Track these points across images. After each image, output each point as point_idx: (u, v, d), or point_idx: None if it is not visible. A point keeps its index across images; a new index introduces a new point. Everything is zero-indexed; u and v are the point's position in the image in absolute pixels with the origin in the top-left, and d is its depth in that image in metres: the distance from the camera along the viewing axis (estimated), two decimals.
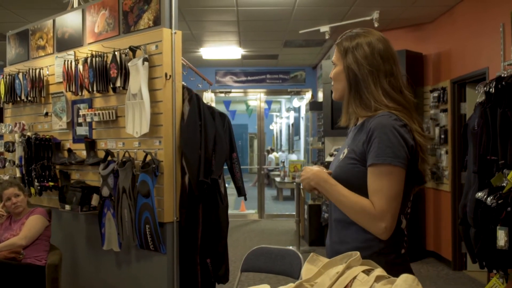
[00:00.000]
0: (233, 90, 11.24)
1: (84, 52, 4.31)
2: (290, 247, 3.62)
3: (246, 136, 24.38)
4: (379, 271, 1.57)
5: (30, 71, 4.83)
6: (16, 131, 5.02)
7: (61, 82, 4.56)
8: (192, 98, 3.83)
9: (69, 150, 4.55)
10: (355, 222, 1.79)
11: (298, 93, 11.53)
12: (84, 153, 4.41)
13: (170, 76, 3.76)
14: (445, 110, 6.52)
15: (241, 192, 4.08)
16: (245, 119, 18.31)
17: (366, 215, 1.74)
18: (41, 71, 4.82)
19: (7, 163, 5.22)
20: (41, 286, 3.79)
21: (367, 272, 1.60)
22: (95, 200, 4.23)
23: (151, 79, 3.81)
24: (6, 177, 5.17)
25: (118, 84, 3.93)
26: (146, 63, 3.77)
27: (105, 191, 4.06)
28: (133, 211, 3.81)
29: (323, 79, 7.88)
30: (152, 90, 3.79)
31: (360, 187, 1.79)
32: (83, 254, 4.54)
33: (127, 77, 3.90)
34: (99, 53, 4.09)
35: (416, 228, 6.94)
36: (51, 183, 4.65)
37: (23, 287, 3.72)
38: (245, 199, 4.17)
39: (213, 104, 10.88)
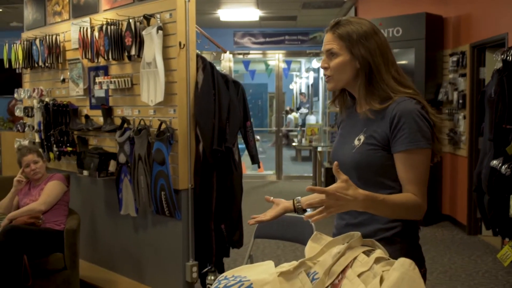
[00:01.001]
0: (251, 52, 11.19)
1: (99, 19, 4.32)
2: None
3: (266, 96, 24.29)
4: (379, 252, 1.61)
5: (47, 37, 4.87)
6: (35, 97, 5.10)
7: (77, 49, 4.59)
8: (206, 66, 3.83)
9: (87, 117, 4.62)
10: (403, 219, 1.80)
11: (317, 55, 11.43)
12: (101, 119, 4.47)
13: (184, 45, 3.76)
14: (463, 75, 6.44)
15: (254, 160, 4.12)
16: (264, 79, 18.23)
17: (417, 209, 1.75)
18: (58, 37, 4.85)
19: (26, 128, 5.32)
20: (60, 250, 3.91)
21: (367, 253, 1.64)
22: (112, 166, 4.31)
23: (165, 47, 3.82)
24: (26, 142, 5.28)
25: (133, 52, 3.96)
26: (160, 32, 3.78)
27: (122, 158, 4.13)
28: (149, 178, 3.89)
29: None
30: (166, 58, 3.81)
31: (382, 171, 1.81)
32: (101, 218, 4.67)
33: (142, 46, 3.92)
34: (114, 21, 4.10)
35: (432, 192, 6.94)
36: (69, 148, 4.74)
37: (42, 251, 3.84)
38: (259, 166, 4.21)
39: (231, 64, 10.95)
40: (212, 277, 3.90)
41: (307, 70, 18.15)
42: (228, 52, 5.98)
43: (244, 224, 4.29)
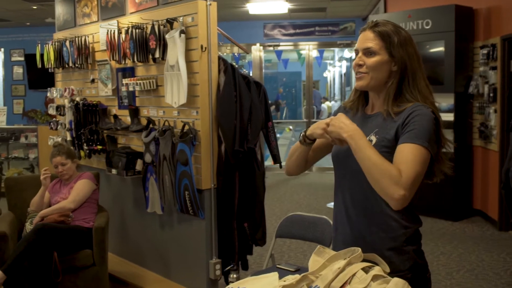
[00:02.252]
0: (281, 44, 11.19)
1: (125, 22, 4.42)
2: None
3: (299, 84, 24.20)
4: (377, 269, 1.65)
5: (77, 39, 5.00)
6: (66, 96, 5.25)
7: (105, 50, 4.71)
8: (228, 69, 3.90)
9: (115, 116, 4.75)
10: (375, 184, 1.75)
11: (348, 45, 11.37)
12: (129, 119, 4.59)
13: (205, 48, 3.83)
14: (494, 68, 6.34)
15: (276, 160, 4.18)
16: (298, 67, 18.19)
17: (391, 176, 1.70)
18: (87, 38, 4.98)
19: (59, 126, 5.49)
20: (89, 247, 4.05)
21: (367, 269, 1.69)
22: (139, 165, 4.43)
23: (188, 50, 3.89)
24: (59, 139, 5.46)
25: (157, 55, 4.04)
26: (183, 35, 3.85)
27: (148, 158, 4.24)
28: (173, 177, 3.99)
29: None
30: (189, 61, 3.89)
31: None
32: (130, 215, 4.81)
33: (166, 48, 4.00)
34: (139, 24, 4.19)
35: (463, 186, 6.89)
36: (99, 147, 4.88)
37: (72, 248, 3.99)
38: (280, 166, 4.26)
39: (262, 54, 10.98)
40: (235, 275, 3.99)
41: (340, 60, 18.05)
42: (251, 51, 5.94)
43: (267, 222, 4.38)
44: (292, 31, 11.12)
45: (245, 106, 3.90)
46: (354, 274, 1.66)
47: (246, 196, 4.03)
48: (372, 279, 1.61)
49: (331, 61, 20.76)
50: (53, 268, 3.81)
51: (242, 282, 1.83)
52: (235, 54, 11.30)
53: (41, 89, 10.28)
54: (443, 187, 6.46)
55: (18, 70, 11.25)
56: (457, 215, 6.75)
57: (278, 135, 17.53)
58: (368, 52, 1.88)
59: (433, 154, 1.80)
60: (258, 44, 11.11)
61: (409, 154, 1.75)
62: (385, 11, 8.77)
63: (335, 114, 2.02)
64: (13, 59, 11.31)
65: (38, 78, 10.47)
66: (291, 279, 1.79)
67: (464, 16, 6.71)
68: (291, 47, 11.52)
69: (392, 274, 1.80)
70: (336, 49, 17.61)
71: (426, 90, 1.88)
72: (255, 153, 4.05)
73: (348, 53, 13.97)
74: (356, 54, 1.93)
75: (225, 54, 11.42)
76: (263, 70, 11.44)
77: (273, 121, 4.14)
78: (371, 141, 1.87)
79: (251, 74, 11.50)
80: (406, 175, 1.71)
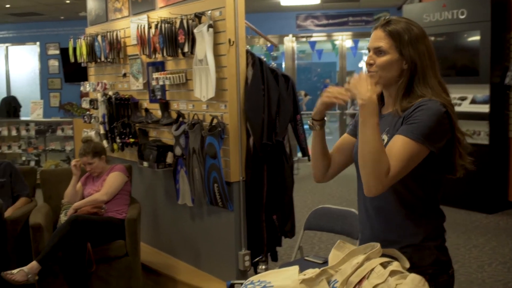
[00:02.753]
0: (314, 34, 11.14)
1: (155, 17, 4.48)
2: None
3: (334, 74, 24.02)
4: (395, 265, 1.66)
5: (108, 34, 5.09)
6: (99, 90, 5.36)
7: (136, 45, 4.78)
8: (255, 62, 3.92)
9: (146, 110, 4.83)
10: (362, 165, 1.76)
11: None
12: (159, 112, 4.66)
13: (233, 42, 3.85)
14: None
15: (305, 153, 4.19)
16: (332, 57, 18.01)
17: (379, 170, 1.71)
18: (118, 33, 5.06)
19: (92, 119, 5.60)
20: (121, 238, 4.14)
21: (385, 264, 1.70)
22: (169, 158, 4.50)
23: (216, 44, 3.92)
24: (92, 133, 5.58)
25: (185, 49, 4.09)
26: (210, 30, 3.88)
27: (178, 151, 4.31)
28: (202, 170, 4.04)
29: None
30: (217, 55, 3.92)
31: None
32: (162, 206, 4.89)
33: (194, 43, 4.04)
34: (168, 19, 4.24)
35: (499, 178, 6.77)
36: (131, 140, 4.97)
37: (105, 239, 4.09)
38: (309, 159, 4.25)
39: (295, 46, 10.94)
40: (263, 267, 4.02)
41: None
42: (283, 43, 5.92)
43: (299, 214, 4.41)
44: (325, 21, 11.05)
45: (273, 99, 3.92)
46: (372, 269, 1.67)
47: (274, 189, 4.05)
48: (389, 274, 1.62)
49: (367, 51, 20.52)
50: (87, 258, 3.92)
51: (263, 275, 1.86)
52: (267, 45, 11.30)
53: (76, 82, 10.51)
54: (478, 179, 6.38)
55: (54, 64, 11.49)
56: (492, 207, 6.64)
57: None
58: (378, 51, 1.88)
59: (434, 149, 1.77)
60: (290, 35, 11.09)
61: (399, 148, 1.74)
62: (420, 0, 8.64)
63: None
64: (48, 52, 11.55)
65: (74, 71, 10.68)
66: (310, 273, 1.82)
67: (500, 5, 6.57)
68: (324, 38, 11.45)
69: (412, 270, 1.81)
70: None
71: (437, 88, 1.85)
72: (283, 146, 4.07)
73: None
74: (369, 53, 1.93)
75: (257, 45, 11.45)
76: (296, 61, 11.41)
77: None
78: (383, 140, 1.87)
79: (283, 65, 11.55)
80: (392, 173, 1.72)
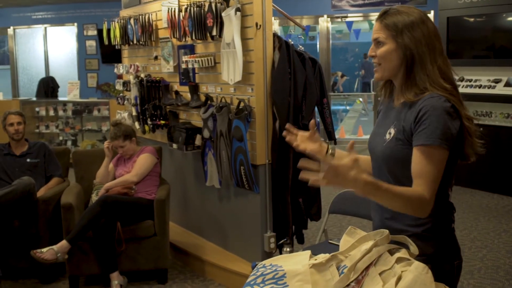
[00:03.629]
0: (349, 15, 11.00)
1: (185, 1, 4.52)
2: None
3: None
4: (403, 252, 1.69)
5: (140, 17, 5.16)
6: (131, 73, 5.45)
7: (167, 28, 4.84)
8: (282, 46, 3.93)
9: (176, 92, 4.90)
10: (403, 212, 1.78)
11: None
12: (189, 95, 4.72)
13: (260, 25, 3.87)
14: None
15: (331, 136, 4.20)
16: (370, 37, 17.78)
17: (420, 205, 1.75)
18: (150, 16, 5.13)
19: (125, 101, 5.72)
20: (150, 218, 4.24)
21: (393, 251, 1.72)
22: (198, 140, 4.57)
23: (243, 28, 3.95)
24: (125, 114, 5.69)
25: (214, 33, 4.13)
26: (238, 13, 3.91)
27: (206, 133, 4.37)
28: (229, 153, 4.10)
29: (440, 6, 7.51)
30: (244, 39, 3.95)
31: (410, 164, 1.83)
32: (191, 187, 4.98)
33: (223, 26, 4.07)
34: (197, 2, 4.28)
35: None
36: (162, 122, 5.06)
37: (134, 219, 4.20)
38: (335, 143, 4.27)
39: (330, 26, 10.84)
40: (288, 249, 4.07)
41: None
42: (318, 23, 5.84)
43: (328, 197, 4.42)
44: (360, 1, 10.88)
45: (299, 83, 3.93)
46: (380, 256, 1.70)
47: (300, 172, 4.07)
48: (396, 261, 1.65)
49: None
50: (116, 237, 4.04)
51: (275, 259, 1.91)
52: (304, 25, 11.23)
53: (113, 63, 10.66)
54: (510, 163, 6.27)
55: (92, 45, 11.69)
56: None
57: (348, 107, 17.41)
58: (377, 43, 1.92)
59: (450, 146, 1.78)
60: (325, 16, 11.00)
61: (424, 161, 1.76)
62: None
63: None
64: (86, 33, 11.74)
65: (111, 52, 10.84)
66: (321, 258, 1.85)
67: None
68: (360, 18, 11.30)
69: (416, 258, 1.84)
70: None
71: (435, 74, 1.85)
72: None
73: None
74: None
75: (294, 26, 11.38)
76: (331, 42, 11.31)
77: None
78: (390, 134, 1.90)
79: (317, 46, 11.46)
80: (428, 191, 1.74)
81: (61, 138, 9.31)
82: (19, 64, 12.36)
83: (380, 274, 1.64)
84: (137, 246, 4.18)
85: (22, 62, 12.39)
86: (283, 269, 1.83)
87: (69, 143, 9.15)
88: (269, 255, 4.15)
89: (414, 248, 1.76)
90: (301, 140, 2.10)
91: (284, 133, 2.15)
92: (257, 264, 1.94)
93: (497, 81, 6.61)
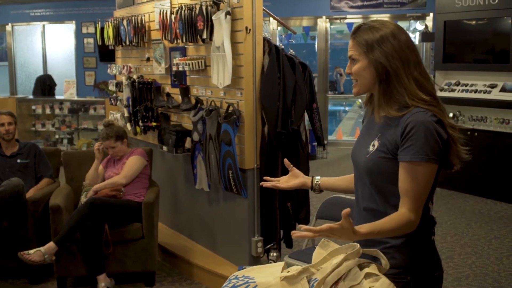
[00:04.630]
0: (348, 16, 10.99)
1: (177, 3, 4.51)
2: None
3: None
4: (372, 267, 1.68)
5: (133, 18, 5.15)
6: (124, 74, 5.45)
7: (159, 29, 4.83)
8: (272, 50, 3.92)
9: (168, 95, 4.89)
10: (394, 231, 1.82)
11: (418, 18, 11.01)
12: (180, 97, 4.71)
13: (250, 29, 3.86)
14: None
15: (320, 141, 4.19)
16: None
17: (408, 227, 1.79)
18: (143, 17, 5.12)
19: (118, 102, 5.71)
20: (139, 220, 4.22)
21: (364, 265, 1.71)
22: (188, 143, 4.57)
23: (233, 32, 3.94)
24: (118, 115, 5.69)
25: (204, 36, 4.12)
26: (228, 17, 3.89)
27: (195, 136, 4.37)
28: (218, 157, 4.10)
29: (437, 9, 7.50)
30: (234, 43, 3.94)
31: (393, 179, 1.85)
32: (181, 190, 4.98)
33: (213, 29, 4.06)
34: (188, 5, 4.26)
35: None
36: (153, 123, 5.06)
37: (122, 221, 4.19)
38: (324, 148, 4.28)
39: (328, 26, 10.84)
40: (275, 254, 4.08)
41: (413, 31, 17.49)
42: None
43: (311, 202, 4.42)
44: (359, 3, 10.87)
45: (289, 88, 3.92)
46: (349, 270, 1.69)
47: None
48: (364, 276, 1.64)
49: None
50: (104, 240, 4.03)
51: (248, 271, 1.90)
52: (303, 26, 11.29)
53: (111, 61, 10.66)
54: (506, 169, 6.26)
55: (89, 42, 11.68)
56: None
57: (347, 108, 17.39)
58: (352, 60, 1.93)
59: (438, 160, 1.80)
60: (324, 17, 11.00)
61: (410, 179, 1.79)
62: None
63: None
64: (84, 31, 11.73)
65: (109, 51, 10.84)
66: (293, 270, 1.84)
67: None
68: (359, 20, 11.29)
69: (394, 270, 1.84)
70: (411, 21, 17.10)
71: (412, 87, 1.84)
72: (299, 135, 4.08)
73: (419, 26, 13.51)
74: None
75: (293, 27, 11.40)
76: (329, 42, 11.32)
77: None
78: (373, 145, 1.90)
79: (316, 46, 11.44)
80: (415, 209, 1.79)
81: (57, 136, 9.32)
82: (17, 61, 12.36)
83: None
84: (125, 248, 4.17)
85: (20, 59, 12.38)
86: (254, 281, 1.82)
87: (65, 141, 9.15)
88: (256, 259, 4.16)
89: (385, 262, 1.75)
90: (283, 181, 2.26)
91: (263, 183, 2.28)
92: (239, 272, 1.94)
93: (493, 86, 6.60)
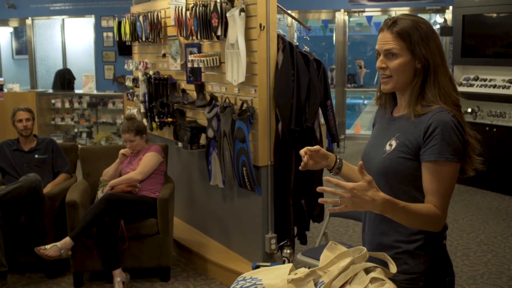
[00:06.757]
0: (366, 9, 10.91)
1: (192, 0, 4.52)
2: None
3: None
4: (378, 272, 1.67)
5: (149, 14, 5.17)
6: (140, 69, 5.48)
7: (174, 26, 4.85)
8: (286, 47, 3.91)
9: (183, 91, 4.92)
10: (420, 227, 1.81)
11: (437, 11, 10.89)
12: (195, 93, 4.73)
13: (264, 27, 3.86)
14: None
15: (334, 139, 4.18)
16: None
17: (435, 221, 1.77)
18: (159, 13, 5.14)
19: (135, 97, 5.75)
20: (154, 216, 4.26)
21: (370, 269, 1.71)
22: (203, 139, 4.59)
23: (247, 29, 3.94)
24: (135, 110, 5.73)
25: (219, 33, 4.13)
26: (242, 14, 3.90)
27: (210, 133, 4.39)
28: (232, 153, 4.11)
29: (455, 3, 7.41)
30: (248, 40, 3.94)
31: (409, 180, 1.84)
32: (196, 185, 5.01)
33: (227, 26, 4.07)
34: (203, 2, 4.27)
35: None
36: (169, 119, 5.09)
37: (138, 217, 4.23)
38: (338, 145, 4.27)
39: (346, 20, 10.77)
40: (288, 251, 4.07)
41: (434, 24, 17.32)
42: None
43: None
44: None
45: (303, 85, 3.91)
46: (356, 274, 1.69)
47: (302, 174, 4.07)
48: (370, 281, 1.64)
49: None
50: (120, 235, 4.08)
51: (256, 272, 1.91)
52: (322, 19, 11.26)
53: (130, 55, 10.71)
54: None
55: (109, 36, 11.74)
56: None
57: (366, 101, 17.29)
58: (389, 54, 1.83)
59: (460, 159, 1.79)
60: (342, 10, 10.93)
61: (436, 178, 1.77)
62: None
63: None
64: (103, 25, 11.79)
65: (128, 45, 10.92)
66: (301, 272, 1.85)
67: None
68: (378, 13, 11.20)
69: (407, 275, 1.86)
70: (431, 14, 16.91)
71: (448, 86, 1.83)
72: (314, 132, 4.07)
73: (439, 19, 13.38)
74: (378, 55, 1.88)
75: (312, 20, 11.37)
76: (347, 35, 11.26)
77: None
78: (391, 146, 1.87)
79: (334, 39, 11.39)
80: (442, 207, 1.77)
81: (76, 130, 9.42)
82: (37, 55, 12.47)
83: None
84: (140, 244, 4.22)
85: (40, 53, 12.50)
86: (262, 283, 1.83)
87: (84, 135, 9.25)
88: (270, 256, 4.18)
89: (393, 267, 1.75)
90: (312, 164, 2.08)
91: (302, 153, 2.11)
92: (259, 265, 1.95)
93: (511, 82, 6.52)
